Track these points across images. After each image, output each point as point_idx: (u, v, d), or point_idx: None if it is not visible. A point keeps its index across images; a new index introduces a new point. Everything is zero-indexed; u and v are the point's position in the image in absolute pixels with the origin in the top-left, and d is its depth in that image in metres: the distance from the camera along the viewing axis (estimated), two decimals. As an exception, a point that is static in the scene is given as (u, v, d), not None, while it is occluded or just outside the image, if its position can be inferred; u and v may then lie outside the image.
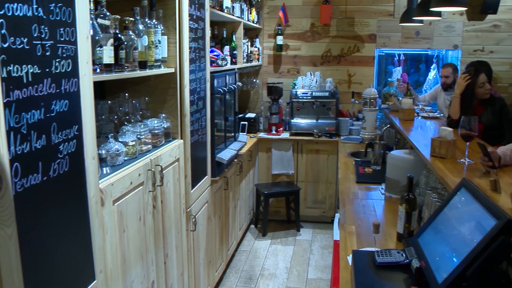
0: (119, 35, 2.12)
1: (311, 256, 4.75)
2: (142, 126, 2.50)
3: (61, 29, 1.52)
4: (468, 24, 5.70)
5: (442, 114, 4.58)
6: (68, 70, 1.57)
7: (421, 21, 4.85)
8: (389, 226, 2.66)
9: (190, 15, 2.95)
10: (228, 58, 4.29)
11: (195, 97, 3.11)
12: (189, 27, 2.93)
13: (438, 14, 3.98)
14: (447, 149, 2.69)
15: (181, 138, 2.91)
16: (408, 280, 1.81)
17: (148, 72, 2.46)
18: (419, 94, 5.61)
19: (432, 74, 6.14)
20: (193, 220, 3.12)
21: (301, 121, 5.53)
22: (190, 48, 2.96)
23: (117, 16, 2.11)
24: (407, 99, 4.22)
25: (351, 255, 2.16)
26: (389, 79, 5.48)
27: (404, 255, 1.94)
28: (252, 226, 5.50)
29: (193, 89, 3.06)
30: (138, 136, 2.43)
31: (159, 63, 2.60)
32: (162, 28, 2.62)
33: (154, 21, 2.54)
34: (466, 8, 4.56)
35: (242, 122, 5.43)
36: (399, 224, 2.35)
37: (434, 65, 6.18)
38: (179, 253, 2.89)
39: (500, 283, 1.33)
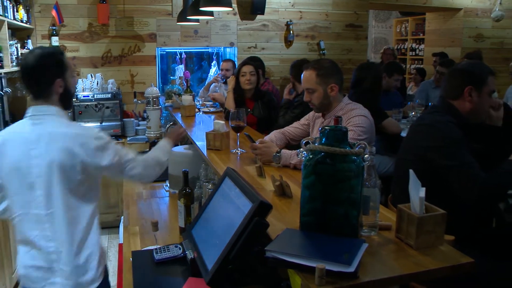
0: None
1: (109, 263, 4.58)
2: None
3: None
4: (241, 23, 6.11)
5: (221, 108, 4.82)
6: None
7: (197, 20, 5.03)
8: (174, 222, 2.69)
9: None
10: (-8, 62, 3.88)
11: None
12: None
13: (211, 13, 4.17)
14: (221, 141, 2.84)
15: None
16: (186, 272, 1.87)
17: None
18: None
19: (213, 70, 6.44)
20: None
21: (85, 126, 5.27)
22: None
23: None
24: (187, 96, 4.33)
25: (132, 257, 2.14)
26: (171, 77, 5.56)
27: (181, 248, 1.99)
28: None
29: None
30: None
31: None
32: None
33: None
34: (231, 9, 4.88)
35: (19, 131, 4.97)
36: (180, 218, 2.41)
37: (214, 61, 6.49)
38: None
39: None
